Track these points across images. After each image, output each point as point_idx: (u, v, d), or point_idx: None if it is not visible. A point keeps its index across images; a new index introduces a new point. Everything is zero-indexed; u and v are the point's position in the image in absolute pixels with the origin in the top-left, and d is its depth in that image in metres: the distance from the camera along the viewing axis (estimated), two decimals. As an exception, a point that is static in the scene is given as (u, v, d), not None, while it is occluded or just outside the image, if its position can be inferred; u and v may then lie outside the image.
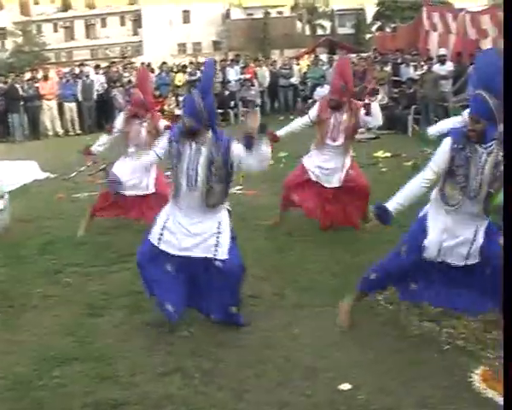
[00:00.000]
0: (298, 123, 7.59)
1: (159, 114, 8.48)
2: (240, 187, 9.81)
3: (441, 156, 4.56)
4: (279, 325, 5.07)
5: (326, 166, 7.37)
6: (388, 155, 12.35)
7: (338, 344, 4.75)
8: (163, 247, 4.94)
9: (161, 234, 4.95)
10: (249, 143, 4.71)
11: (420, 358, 4.50)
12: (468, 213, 4.60)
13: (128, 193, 7.39)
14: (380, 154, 12.42)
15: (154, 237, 4.98)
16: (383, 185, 9.58)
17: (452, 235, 4.67)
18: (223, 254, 4.87)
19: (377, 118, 7.23)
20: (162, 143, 5.05)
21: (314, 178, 7.44)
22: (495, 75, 4.10)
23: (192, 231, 4.90)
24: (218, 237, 4.91)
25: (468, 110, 4.81)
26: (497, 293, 4.56)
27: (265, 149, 4.68)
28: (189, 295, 5.03)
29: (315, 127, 7.52)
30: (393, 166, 11.22)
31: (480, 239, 4.65)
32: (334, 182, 7.37)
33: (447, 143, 4.54)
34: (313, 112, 7.46)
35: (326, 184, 7.39)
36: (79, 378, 4.40)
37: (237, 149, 4.82)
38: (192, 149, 4.84)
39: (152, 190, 7.45)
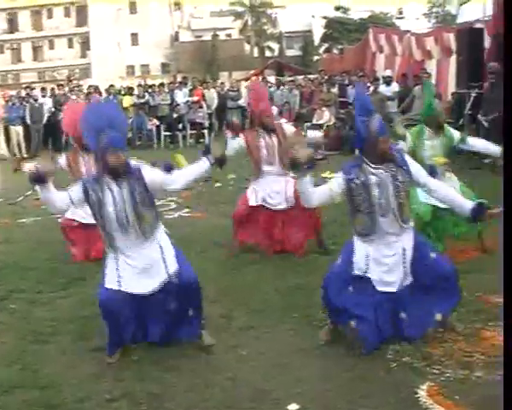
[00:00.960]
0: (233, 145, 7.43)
1: None
2: (187, 210, 9.81)
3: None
4: (226, 348, 5.07)
5: (271, 189, 7.34)
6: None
7: (285, 364, 4.76)
8: (124, 288, 4.82)
9: (119, 276, 4.83)
10: (168, 168, 4.79)
11: (367, 375, 4.53)
12: (389, 234, 4.79)
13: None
14: (327, 174, 12.49)
15: (111, 282, 4.83)
16: (331, 206, 9.71)
17: (378, 263, 4.84)
18: (171, 265, 4.87)
19: None
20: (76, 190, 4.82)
21: (260, 202, 7.37)
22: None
23: (141, 267, 4.84)
24: (164, 258, 4.89)
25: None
26: (442, 299, 4.85)
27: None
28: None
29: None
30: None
31: (409, 256, 4.82)
32: (282, 203, 7.35)
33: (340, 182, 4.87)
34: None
35: (273, 207, 7.36)
36: (25, 407, 4.32)
37: (152, 173, 4.84)
38: (114, 190, 4.72)
39: None
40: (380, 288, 4.87)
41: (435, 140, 6.89)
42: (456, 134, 6.98)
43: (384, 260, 4.87)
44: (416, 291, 4.93)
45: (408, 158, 4.97)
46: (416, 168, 4.91)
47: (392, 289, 4.87)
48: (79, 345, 5.26)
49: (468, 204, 4.91)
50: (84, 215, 7.00)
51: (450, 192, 5.13)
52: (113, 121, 4.75)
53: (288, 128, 7.52)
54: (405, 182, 4.80)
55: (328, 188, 4.92)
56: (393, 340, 4.99)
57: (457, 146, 6.99)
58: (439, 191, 4.99)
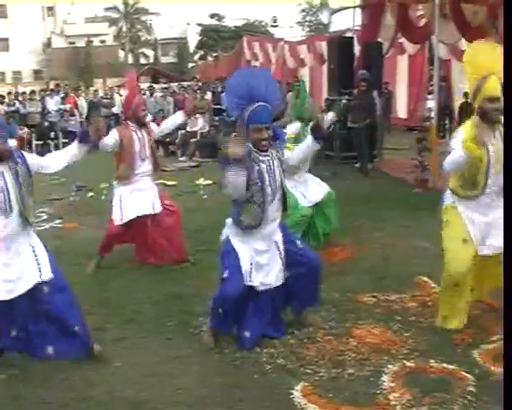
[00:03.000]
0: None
1: None
2: (59, 221, 9.55)
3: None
4: (100, 361, 4.94)
5: (138, 196, 7.13)
6: (209, 182, 12.49)
7: (160, 373, 4.71)
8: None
9: None
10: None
11: (243, 380, 4.56)
12: (272, 222, 4.92)
13: None
14: (201, 181, 12.58)
15: None
16: (203, 212, 9.77)
17: (259, 268, 4.97)
18: (46, 273, 4.73)
19: None
20: None
21: (134, 215, 7.12)
22: (256, 86, 4.66)
23: (13, 266, 4.67)
24: (37, 260, 4.76)
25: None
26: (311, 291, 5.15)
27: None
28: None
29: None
30: (214, 193, 11.37)
31: (282, 248, 5.01)
32: (156, 208, 7.19)
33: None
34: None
35: (147, 213, 7.15)
36: None
37: (31, 157, 4.80)
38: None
39: None
40: (261, 288, 4.97)
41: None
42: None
43: (262, 262, 4.96)
44: (292, 282, 5.10)
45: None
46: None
47: (271, 286, 5.01)
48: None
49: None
50: None
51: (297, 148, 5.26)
52: None
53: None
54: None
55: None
56: (268, 343, 5.06)
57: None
58: (293, 154, 5.13)
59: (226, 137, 4.73)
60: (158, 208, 7.15)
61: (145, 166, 7.12)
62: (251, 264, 4.90)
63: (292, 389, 4.40)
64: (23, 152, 4.83)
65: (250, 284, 4.90)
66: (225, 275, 4.91)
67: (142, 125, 7.09)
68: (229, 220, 5.03)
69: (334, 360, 4.78)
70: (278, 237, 5.06)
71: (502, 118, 4.73)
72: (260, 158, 4.80)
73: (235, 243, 4.95)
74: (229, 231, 5.03)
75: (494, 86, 4.84)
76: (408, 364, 4.70)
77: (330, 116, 7.36)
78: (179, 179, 12.89)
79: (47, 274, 4.76)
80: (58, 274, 4.87)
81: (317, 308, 5.57)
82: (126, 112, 7.24)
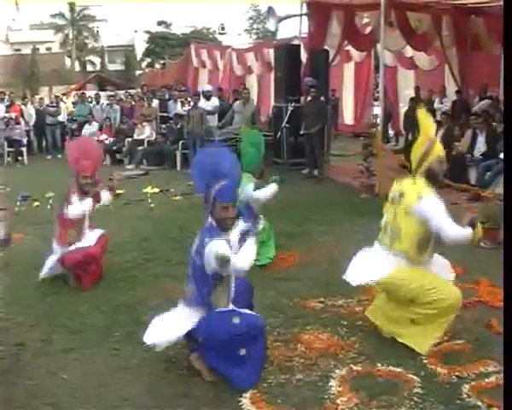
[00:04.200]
0: None
1: None
2: (3, 231, 9.36)
3: None
4: (46, 373, 4.87)
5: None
6: (157, 190, 12.44)
7: (108, 384, 4.66)
8: None
9: None
10: None
11: (190, 389, 4.54)
12: None
13: None
14: (149, 189, 12.50)
15: None
16: (150, 221, 9.72)
17: None
18: None
19: None
20: None
21: None
22: (220, 164, 4.65)
23: None
24: None
25: None
26: None
27: None
28: None
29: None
30: (162, 202, 11.33)
31: None
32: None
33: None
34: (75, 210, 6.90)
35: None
36: None
37: None
38: None
39: None
40: None
41: None
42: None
43: None
44: None
45: None
46: None
47: None
48: None
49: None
50: None
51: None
52: None
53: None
54: None
55: None
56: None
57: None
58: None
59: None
60: None
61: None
62: None
63: (241, 396, 4.40)
64: None
65: None
66: None
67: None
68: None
69: (282, 366, 4.81)
70: None
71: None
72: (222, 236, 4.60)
73: None
74: None
75: (441, 149, 5.11)
76: (355, 368, 4.76)
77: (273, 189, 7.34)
78: (126, 187, 12.76)
79: None
80: None
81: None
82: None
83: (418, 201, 4.87)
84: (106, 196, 7.20)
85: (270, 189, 7.18)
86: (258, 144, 7.37)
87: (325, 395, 4.39)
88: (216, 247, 4.39)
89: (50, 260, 7.04)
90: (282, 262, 7.42)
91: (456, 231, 4.79)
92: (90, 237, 7.04)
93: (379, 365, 4.77)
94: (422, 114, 5.26)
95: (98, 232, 7.14)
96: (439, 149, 5.08)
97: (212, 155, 4.87)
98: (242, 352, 4.54)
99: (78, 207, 6.78)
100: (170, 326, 4.71)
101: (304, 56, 15.70)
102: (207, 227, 4.60)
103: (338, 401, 4.28)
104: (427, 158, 5.02)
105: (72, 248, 6.89)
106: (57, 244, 7.02)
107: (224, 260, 4.36)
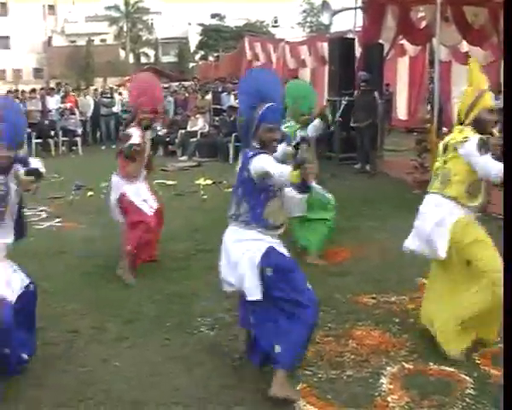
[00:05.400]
0: None
1: None
2: (59, 219, 9.53)
3: None
4: (99, 360, 4.93)
5: (144, 194, 7.09)
6: (209, 182, 12.50)
7: (161, 373, 4.70)
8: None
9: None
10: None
11: (241, 381, 4.54)
12: None
13: None
14: (201, 181, 12.57)
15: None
16: (203, 212, 9.77)
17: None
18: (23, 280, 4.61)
19: None
20: None
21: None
22: (268, 86, 4.52)
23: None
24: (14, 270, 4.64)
25: None
26: None
27: None
28: None
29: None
30: (214, 194, 11.38)
31: None
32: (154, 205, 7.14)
33: None
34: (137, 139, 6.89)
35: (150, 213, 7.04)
36: None
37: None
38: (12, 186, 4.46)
39: None
40: None
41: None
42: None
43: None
44: None
45: None
46: None
47: None
48: None
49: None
50: None
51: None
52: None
53: None
54: None
55: None
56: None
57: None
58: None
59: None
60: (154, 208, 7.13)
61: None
62: None
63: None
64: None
65: None
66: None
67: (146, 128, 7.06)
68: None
69: (332, 362, 4.78)
70: None
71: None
72: None
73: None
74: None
75: (491, 99, 5.00)
76: (407, 366, 4.71)
77: (316, 122, 7.16)
78: (179, 179, 12.88)
79: (26, 281, 4.64)
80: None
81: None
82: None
83: (463, 144, 4.79)
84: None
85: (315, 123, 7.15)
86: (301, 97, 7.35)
87: (376, 392, 4.35)
88: (260, 160, 4.31)
89: (113, 199, 7.07)
90: (334, 257, 7.39)
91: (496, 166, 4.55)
92: (150, 202, 7.08)
93: (431, 363, 4.71)
94: (474, 66, 5.17)
95: (154, 202, 7.16)
96: (488, 100, 4.96)
97: (257, 76, 4.77)
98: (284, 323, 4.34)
99: (138, 136, 6.83)
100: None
101: (358, 50, 15.58)
102: (250, 149, 4.47)
103: (388, 399, 4.24)
104: (475, 108, 4.92)
105: (131, 199, 6.92)
106: (117, 175, 7.06)
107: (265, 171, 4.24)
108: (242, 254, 4.35)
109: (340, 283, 6.49)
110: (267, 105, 4.44)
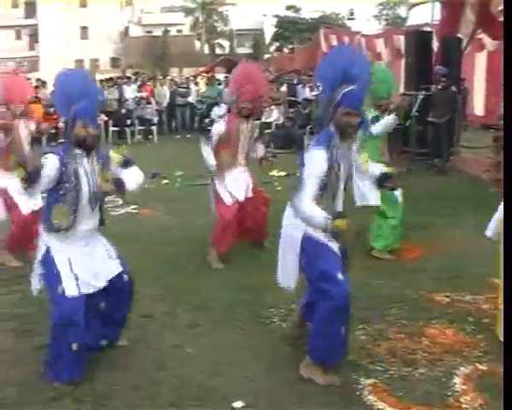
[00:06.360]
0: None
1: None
2: (135, 206, 9.71)
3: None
4: (172, 346, 5.03)
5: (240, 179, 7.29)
6: (283, 173, 12.48)
7: (231, 362, 4.75)
8: (84, 290, 4.49)
9: (76, 279, 4.47)
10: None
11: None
12: None
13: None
14: (275, 172, 12.55)
15: (69, 288, 4.43)
16: (276, 204, 9.74)
17: None
18: (116, 265, 4.66)
19: None
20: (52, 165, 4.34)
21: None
22: (352, 67, 4.26)
23: (90, 262, 4.56)
24: (109, 256, 4.69)
25: None
26: None
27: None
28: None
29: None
30: (288, 185, 11.33)
31: None
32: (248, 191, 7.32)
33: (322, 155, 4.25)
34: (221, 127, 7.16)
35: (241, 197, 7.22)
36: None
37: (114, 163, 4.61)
38: (88, 164, 4.44)
39: None
40: None
41: None
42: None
43: None
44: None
45: None
46: None
47: None
48: (20, 342, 5.15)
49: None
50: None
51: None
52: (85, 91, 4.45)
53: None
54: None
55: None
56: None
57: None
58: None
59: None
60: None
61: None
62: None
63: (361, 385, 4.38)
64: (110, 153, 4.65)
65: None
66: None
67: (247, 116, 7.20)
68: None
69: (405, 359, 4.73)
70: None
71: None
72: (339, 145, 4.30)
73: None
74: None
75: None
76: (480, 367, 4.62)
77: (391, 118, 6.99)
78: (253, 170, 12.89)
79: (117, 269, 4.68)
80: (125, 270, 4.76)
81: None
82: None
83: None
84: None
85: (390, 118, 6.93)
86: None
87: (448, 391, 4.29)
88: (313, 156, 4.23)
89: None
90: (408, 253, 7.30)
91: None
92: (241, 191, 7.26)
93: (506, 366, 4.62)
94: None
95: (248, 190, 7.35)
96: None
97: (343, 55, 4.43)
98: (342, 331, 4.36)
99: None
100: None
101: (435, 44, 15.30)
102: (325, 132, 4.32)
103: (461, 400, 4.17)
104: None
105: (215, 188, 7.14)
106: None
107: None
108: None
109: (413, 279, 6.41)
110: (348, 89, 4.22)
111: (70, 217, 4.42)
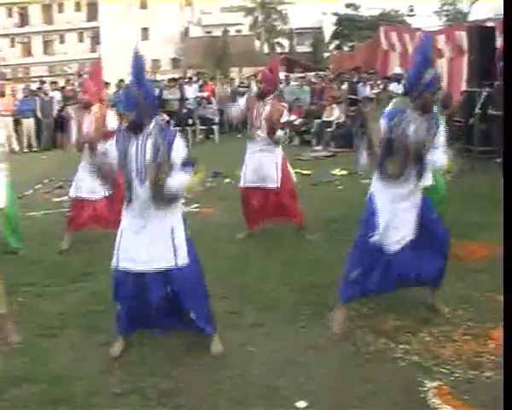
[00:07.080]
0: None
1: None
2: (197, 205, 9.80)
3: None
4: (236, 345, 5.06)
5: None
6: (345, 172, 12.42)
7: (295, 362, 4.76)
8: (123, 264, 4.69)
9: (118, 253, 4.71)
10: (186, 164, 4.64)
11: (375, 374, 4.53)
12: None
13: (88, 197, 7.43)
14: (336, 171, 12.51)
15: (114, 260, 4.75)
16: (338, 203, 9.72)
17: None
18: (182, 258, 4.72)
19: None
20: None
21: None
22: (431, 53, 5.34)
23: (145, 240, 4.65)
24: (173, 245, 4.72)
25: None
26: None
27: (185, 179, 4.61)
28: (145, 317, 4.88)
29: None
30: (350, 184, 11.29)
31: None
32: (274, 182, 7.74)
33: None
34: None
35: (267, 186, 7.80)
36: (32, 401, 4.32)
37: (178, 149, 4.64)
38: (138, 144, 4.60)
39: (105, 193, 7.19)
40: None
41: None
42: None
43: (394, 218, 5.11)
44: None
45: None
46: None
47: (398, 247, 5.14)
48: (88, 339, 5.26)
49: None
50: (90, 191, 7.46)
51: None
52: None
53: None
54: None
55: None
56: (402, 339, 5.01)
57: None
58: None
59: None
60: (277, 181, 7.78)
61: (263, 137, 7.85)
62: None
63: (426, 387, 4.33)
64: (176, 137, 4.69)
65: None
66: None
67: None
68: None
69: (471, 362, 4.66)
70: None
71: None
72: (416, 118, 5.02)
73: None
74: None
75: None
76: (550, 371, 4.51)
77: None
78: (314, 169, 12.89)
79: (182, 259, 4.74)
80: (194, 264, 4.84)
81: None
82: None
83: None
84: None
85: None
86: None
87: (516, 396, 4.20)
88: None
89: None
90: (472, 253, 7.16)
91: None
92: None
93: None
94: None
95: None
96: None
97: (429, 42, 5.35)
98: None
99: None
100: None
101: (499, 39, 14.97)
102: (407, 109, 5.02)
103: (530, 405, 4.08)
104: None
105: None
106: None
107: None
108: None
109: (479, 280, 6.29)
110: (433, 73, 4.96)
111: None
